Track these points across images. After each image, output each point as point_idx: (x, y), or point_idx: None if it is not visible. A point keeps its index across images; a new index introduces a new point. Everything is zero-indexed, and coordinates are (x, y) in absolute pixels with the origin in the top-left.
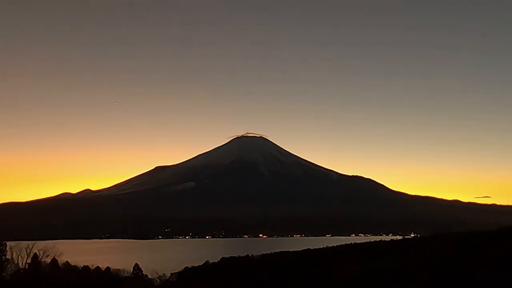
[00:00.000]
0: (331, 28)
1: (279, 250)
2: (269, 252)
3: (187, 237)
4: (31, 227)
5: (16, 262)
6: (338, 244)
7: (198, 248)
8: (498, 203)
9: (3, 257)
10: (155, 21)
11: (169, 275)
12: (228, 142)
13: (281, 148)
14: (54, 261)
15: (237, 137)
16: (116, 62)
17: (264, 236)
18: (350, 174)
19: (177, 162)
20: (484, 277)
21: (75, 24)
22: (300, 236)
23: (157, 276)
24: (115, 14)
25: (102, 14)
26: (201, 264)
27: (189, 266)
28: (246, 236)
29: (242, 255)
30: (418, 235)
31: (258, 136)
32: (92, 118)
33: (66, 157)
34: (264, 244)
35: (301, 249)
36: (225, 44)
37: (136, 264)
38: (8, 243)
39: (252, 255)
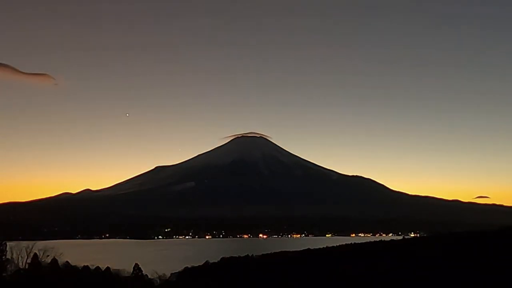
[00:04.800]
0: (331, 28)
1: (279, 250)
2: (269, 252)
3: (187, 237)
4: (31, 227)
5: (16, 262)
6: (338, 244)
7: (198, 248)
8: (498, 203)
9: (3, 257)
10: (157, 22)
11: (169, 275)
12: (228, 142)
13: (281, 148)
14: (54, 261)
15: (237, 137)
16: (116, 62)
17: (264, 236)
18: (350, 174)
19: (177, 162)
20: (484, 276)
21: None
22: (300, 236)
23: (157, 276)
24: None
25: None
26: (201, 264)
27: (189, 266)
28: (246, 236)
29: (242, 255)
30: (418, 235)
31: (258, 136)
32: (91, 118)
33: (66, 157)
34: (264, 244)
35: (301, 249)
36: (225, 45)
37: (136, 264)
38: (8, 243)
39: (252, 255)
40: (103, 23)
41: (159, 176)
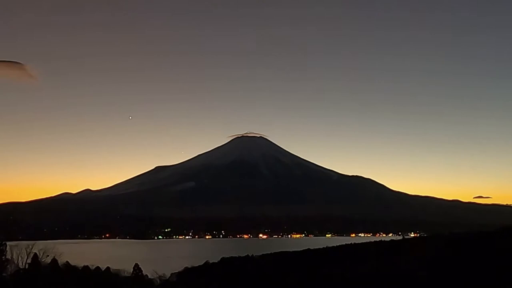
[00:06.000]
0: (330, 28)
1: (279, 250)
2: (269, 252)
3: (187, 237)
4: (31, 227)
5: (16, 262)
6: (338, 244)
7: (198, 248)
8: (498, 203)
9: (3, 257)
10: (157, 27)
11: (169, 275)
12: (228, 142)
13: (281, 148)
14: (54, 261)
15: (237, 137)
16: (117, 65)
17: (264, 236)
18: (350, 174)
19: (177, 162)
20: (484, 276)
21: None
22: (300, 236)
23: (157, 276)
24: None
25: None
26: (201, 264)
27: (189, 266)
28: (246, 236)
29: (242, 255)
30: (418, 235)
31: (258, 136)
32: (91, 118)
33: (66, 157)
34: (264, 244)
35: (301, 249)
36: (225, 45)
37: (136, 264)
38: (8, 243)
39: (252, 255)
40: (105, 27)
41: (159, 176)
